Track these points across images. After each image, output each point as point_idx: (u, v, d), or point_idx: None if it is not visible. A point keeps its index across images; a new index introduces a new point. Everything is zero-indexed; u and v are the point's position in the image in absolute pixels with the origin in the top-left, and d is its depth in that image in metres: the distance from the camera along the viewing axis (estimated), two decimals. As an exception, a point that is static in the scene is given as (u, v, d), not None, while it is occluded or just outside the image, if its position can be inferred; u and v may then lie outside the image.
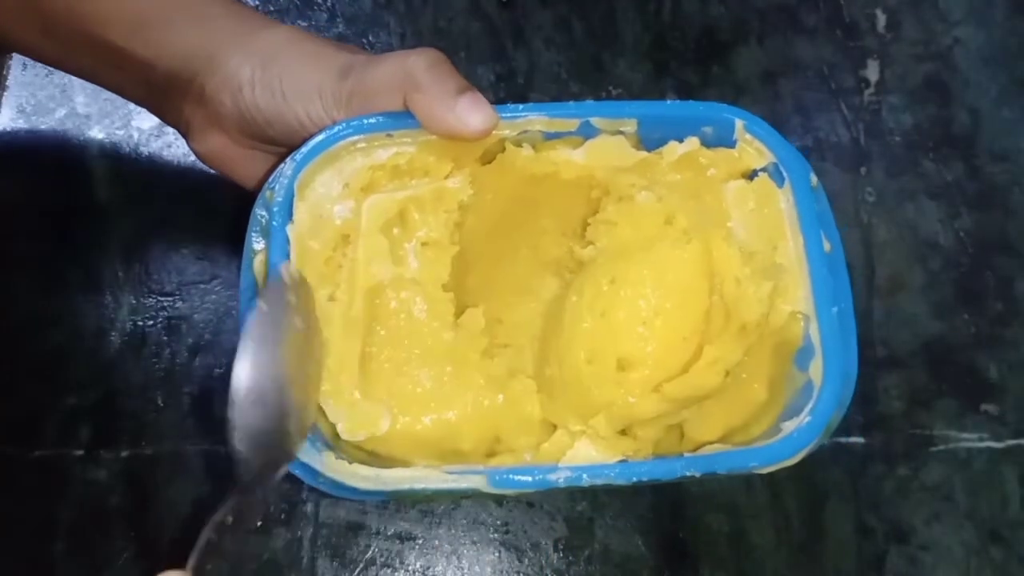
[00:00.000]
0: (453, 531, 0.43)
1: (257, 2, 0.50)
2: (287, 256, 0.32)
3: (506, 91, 0.49)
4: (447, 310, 0.33)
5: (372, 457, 0.32)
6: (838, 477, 0.44)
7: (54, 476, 0.42)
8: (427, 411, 0.32)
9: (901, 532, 0.44)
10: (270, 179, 0.33)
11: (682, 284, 0.32)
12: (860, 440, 0.45)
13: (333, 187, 0.33)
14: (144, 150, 0.47)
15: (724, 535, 0.43)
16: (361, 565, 0.42)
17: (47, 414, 0.43)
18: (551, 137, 0.34)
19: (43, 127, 0.47)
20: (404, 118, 0.33)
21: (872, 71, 0.50)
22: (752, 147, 0.34)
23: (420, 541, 0.42)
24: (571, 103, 0.34)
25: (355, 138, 0.33)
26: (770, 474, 0.38)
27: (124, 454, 0.43)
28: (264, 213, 0.33)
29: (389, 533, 0.42)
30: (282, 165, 0.33)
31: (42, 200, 0.46)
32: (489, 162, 0.35)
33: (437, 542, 0.42)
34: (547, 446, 0.32)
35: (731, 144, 0.34)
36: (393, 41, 0.50)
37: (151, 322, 0.44)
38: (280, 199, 0.32)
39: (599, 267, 0.33)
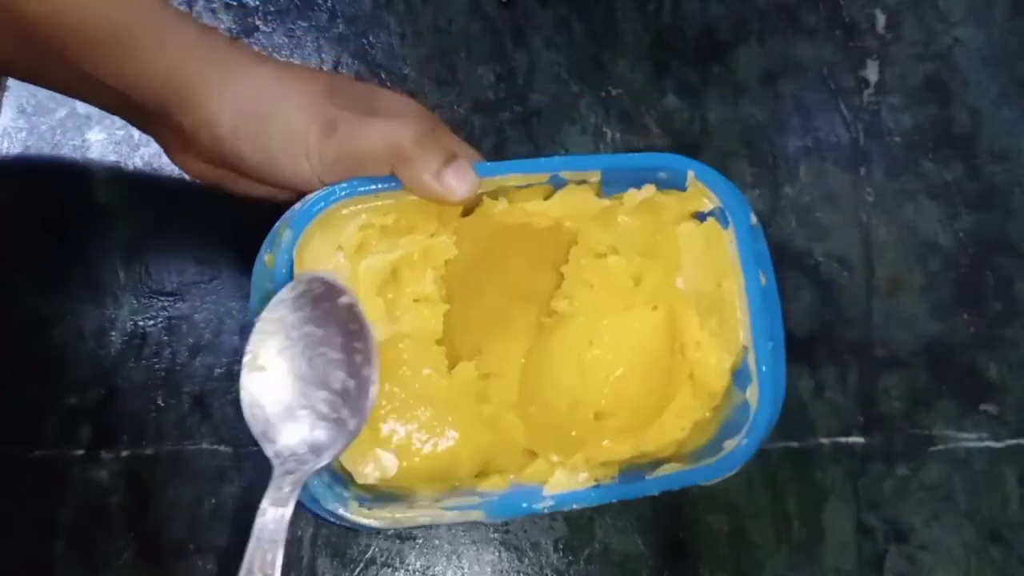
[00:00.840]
0: (453, 531, 0.43)
1: (257, 2, 0.50)
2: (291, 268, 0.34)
3: (506, 91, 0.49)
4: (441, 363, 0.37)
5: (381, 491, 0.35)
6: (838, 477, 0.44)
7: (54, 476, 0.42)
8: (428, 450, 0.36)
9: (901, 532, 0.44)
10: (267, 242, 0.35)
11: (649, 346, 0.37)
12: (860, 440, 0.45)
13: (328, 250, 0.35)
14: (144, 151, 0.47)
15: (724, 535, 0.43)
16: (361, 565, 0.42)
17: (47, 414, 0.43)
18: (524, 187, 0.37)
19: (43, 127, 0.47)
20: (391, 180, 0.35)
21: (872, 71, 0.50)
22: (702, 193, 0.38)
23: (420, 541, 0.42)
24: (541, 159, 0.37)
25: (345, 200, 0.35)
26: (770, 474, 0.44)
27: (124, 454, 0.43)
28: (268, 286, 0.34)
29: (389, 533, 0.42)
30: (278, 231, 0.35)
31: (42, 200, 0.46)
32: (468, 213, 0.37)
33: (437, 542, 0.42)
34: (530, 471, 0.37)
35: (683, 188, 0.38)
36: (393, 41, 0.50)
37: (151, 322, 0.44)
38: (282, 268, 0.34)
39: (578, 326, 0.38)
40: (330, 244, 0.35)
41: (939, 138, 0.49)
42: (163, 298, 0.45)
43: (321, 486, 0.34)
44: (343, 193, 0.35)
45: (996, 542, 0.44)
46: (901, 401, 0.45)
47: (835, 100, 0.50)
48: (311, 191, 0.35)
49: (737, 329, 0.37)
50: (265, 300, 0.33)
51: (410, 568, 0.42)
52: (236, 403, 0.43)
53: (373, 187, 0.35)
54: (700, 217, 0.39)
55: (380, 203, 0.35)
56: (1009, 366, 0.46)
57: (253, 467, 0.43)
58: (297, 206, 0.35)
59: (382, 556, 0.42)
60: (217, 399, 0.43)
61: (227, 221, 0.46)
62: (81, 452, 0.42)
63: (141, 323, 0.44)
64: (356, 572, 0.42)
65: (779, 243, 0.45)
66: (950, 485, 0.44)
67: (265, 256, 0.35)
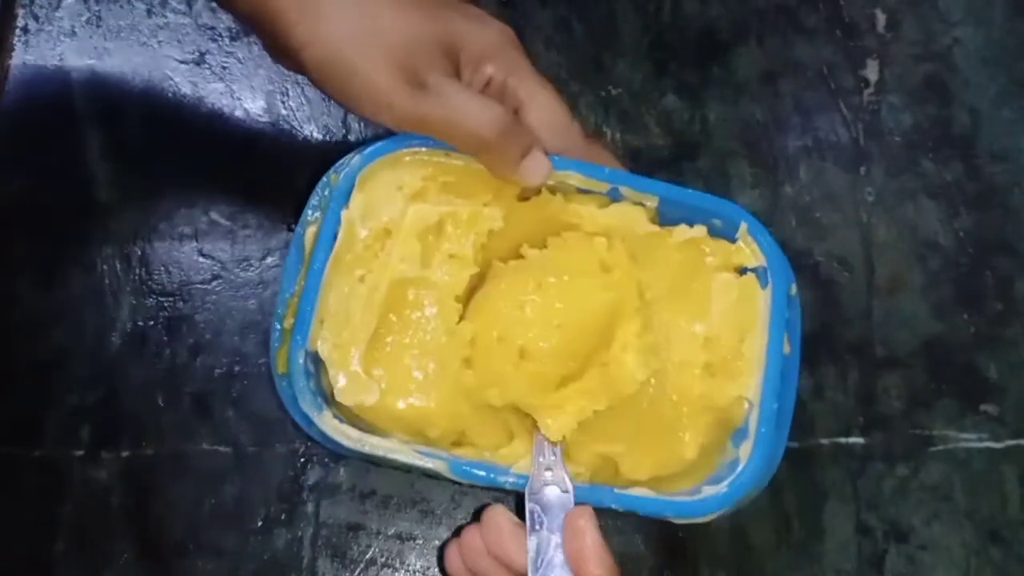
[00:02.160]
0: (453, 531, 0.43)
1: (257, 2, 0.50)
2: (335, 234, 0.37)
3: (506, 91, 0.49)
4: (452, 317, 0.38)
5: (357, 420, 0.37)
6: (838, 477, 0.44)
7: (54, 476, 0.42)
8: (408, 395, 0.38)
9: (901, 532, 0.44)
10: (336, 164, 0.38)
11: (584, 318, 0.37)
12: (860, 440, 0.45)
13: (389, 187, 0.38)
14: (144, 150, 0.47)
15: (724, 535, 0.43)
16: (361, 565, 0.42)
17: (47, 414, 0.43)
18: (583, 191, 0.39)
19: (44, 127, 0.47)
20: None
21: (872, 71, 0.50)
22: (750, 248, 0.39)
23: (420, 541, 0.42)
24: (607, 169, 0.38)
25: (418, 148, 0.38)
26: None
27: (124, 454, 0.43)
28: (326, 193, 0.38)
29: (389, 533, 0.42)
30: (349, 157, 0.38)
31: (42, 200, 0.46)
32: (525, 199, 0.39)
33: (437, 542, 0.43)
34: (504, 451, 0.38)
35: (733, 240, 0.39)
36: (393, 41, 0.50)
37: (151, 322, 0.44)
38: (342, 185, 0.37)
39: (534, 269, 0.38)
40: (392, 183, 0.38)
41: (939, 138, 0.49)
42: (163, 298, 0.45)
43: (303, 390, 0.36)
44: (417, 140, 0.38)
45: (996, 542, 0.44)
46: (901, 401, 0.45)
47: (835, 100, 0.50)
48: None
49: (746, 383, 0.38)
50: (322, 209, 0.38)
51: (410, 568, 0.42)
52: (236, 403, 0.43)
53: (446, 146, 0.38)
54: (741, 271, 0.39)
55: (448, 162, 0.38)
56: (1009, 366, 0.46)
57: (253, 467, 0.43)
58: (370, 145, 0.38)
59: (382, 556, 0.42)
60: (217, 399, 0.43)
61: (228, 221, 0.46)
62: (81, 452, 0.42)
63: (141, 323, 0.44)
64: (356, 572, 0.42)
65: (779, 243, 0.45)
66: (950, 485, 0.44)
67: (331, 176, 0.38)
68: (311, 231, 0.38)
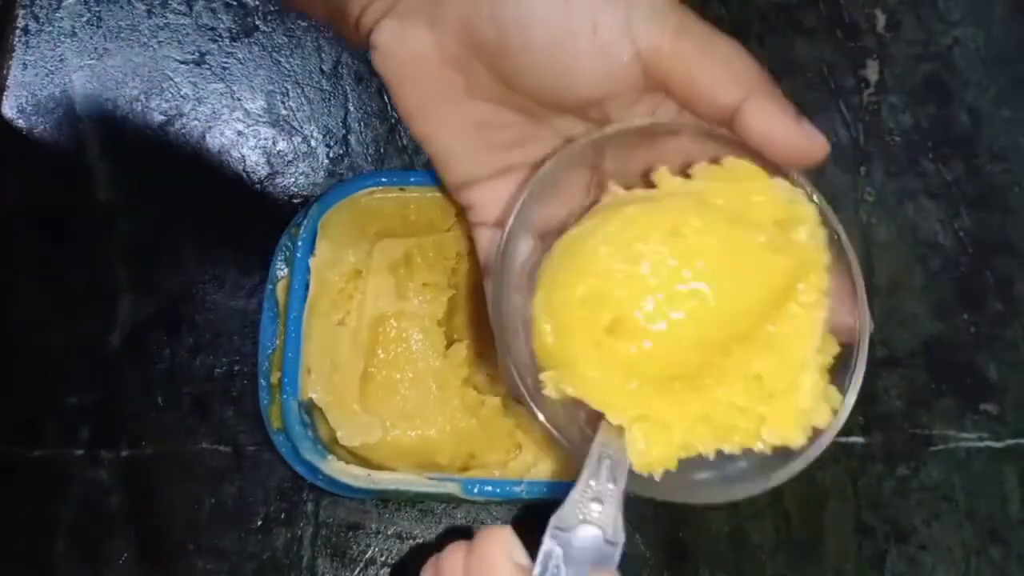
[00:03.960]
0: (454, 533, 0.43)
1: (257, 2, 0.50)
2: (307, 283, 0.38)
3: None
4: (439, 342, 0.39)
5: (363, 461, 0.38)
6: (838, 477, 0.44)
7: (54, 476, 0.42)
8: (413, 426, 0.38)
9: (901, 532, 0.44)
10: (295, 217, 0.38)
11: (741, 291, 0.25)
12: (860, 440, 0.45)
13: (352, 228, 0.39)
14: (144, 150, 0.47)
15: (724, 535, 0.43)
16: (361, 565, 0.42)
17: (47, 414, 0.43)
18: None
19: (43, 127, 0.47)
20: (417, 175, 0.39)
21: (872, 71, 0.50)
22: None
23: (420, 541, 0.42)
24: None
25: (372, 188, 0.39)
26: None
27: (124, 454, 0.43)
28: (290, 245, 0.39)
29: (389, 533, 0.42)
30: (306, 208, 0.38)
31: (42, 200, 0.46)
32: None
33: (437, 542, 0.42)
34: (514, 464, 0.37)
35: None
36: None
37: (151, 322, 0.44)
38: (305, 235, 0.38)
39: (664, 207, 0.26)
40: (354, 224, 0.39)
41: (939, 138, 0.49)
42: (163, 298, 0.45)
43: (303, 439, 0.37)
44: (370, 181, 0.39)
45: (996, 542, 0.44)
46: (901, 401, 0.45)
47: (835, 100, 0.50)
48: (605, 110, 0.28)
49: None
50: (288, 263, 0.39)
51: (410, 568, 0.42)
52: (235, 403, 0.43)
53: (396, 177, 0.38)
54: None
55: (405, 195, 0.39)
56: (1009, 366, 0.46)
57: (253, 467, 0.43)
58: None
59: (382, 556, 0.42)
60: (217, 399, 0.43)
61: (228, 221, 0.46)
62: (81, 452, 0.42)
63: (141, 323, 0.44)
64: (356, 572, 0.42)
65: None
66: (950, 485, 0.44)
67: (291, 229, 0.39)
68: (281, 285, 0.39)
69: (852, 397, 0.27)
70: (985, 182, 0.49)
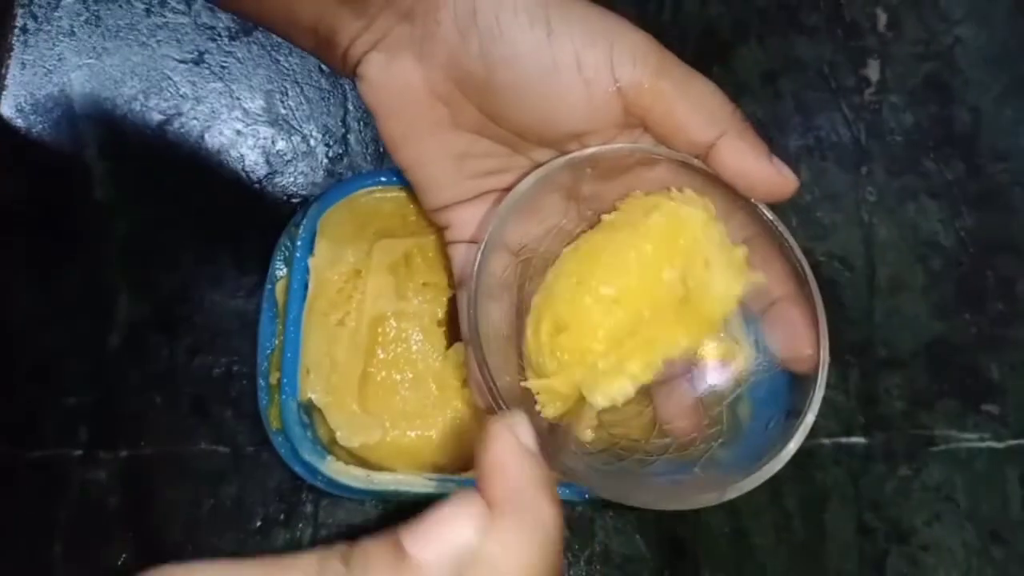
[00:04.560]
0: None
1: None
2: (306, 284, 0.37)
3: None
4: (439, 342, 0.38)
5: (362, 461, 0.37)
6: (839, 477, 0.44)
7: (53, 476, 0.42)
8: (413, 427, 0.38)
9: (902, 532, 0.43)
10: (295, 217, 0.38)
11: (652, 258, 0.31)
12: (861, 440, 0.44)
13: (351, 228, 0.39)
14: (143, 149, 0.47)
15: (724, 535, 0.43)
16: (361, 566, 0.42)
17: (46, 414, 0.43)
18: None
19: (41, 126, 0.47)
20: None
21: (873, 70, 0.50)
22: None
23: (420, 542, 0.42)
24: None
25: (372, 188, 0.39)
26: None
27: (123, 454, 0.42)
28: (289, 244, 0.38)
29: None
30: (306, 207, 0.38)
31: (42, 200, 0.46)
32: None
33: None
34: None
35: None
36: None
37: (151, 322, 0.44)
38: (304, 235, 0.38)
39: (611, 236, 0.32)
40: (353, 224, 0.39)
41: (940, 137, 0.49)
42: (162, 298, 0.45)
43: (302, 440, 0.36)
44: (369, 180, 0.38)
45: (997, 542, 0.43)
46: (902, 401, 0.45)
47: (836, 99, 0.50)
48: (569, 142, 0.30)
49: None
50: (287, 262, 0.38)
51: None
52: (234, 403, 0.43)
53: (396, 177, 0.38)
54: None
55: (403, 195, 0.39)
56: (1011, 366, 0.46)
57: (251, 467, 0.42)
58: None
59: (382, 557, 0.42)
60: (216, 400, 0.43)
61: (228, 221, 0.46)
62: (80, 452, 0.42)
63: (140, 323, 0.44)
64: (355, 573, 0.42)
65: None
66: (951, 485, 0.44)
67: (290, 228, 0.38)
68: (280, 285, 0.39)
69: (811, 418, 0.30)
70: (987, 182, 0.48)
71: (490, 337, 0.30)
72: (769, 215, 0.31)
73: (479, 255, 0.30)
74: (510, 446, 0.21)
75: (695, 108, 0.29)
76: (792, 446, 0.30)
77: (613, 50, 0.28)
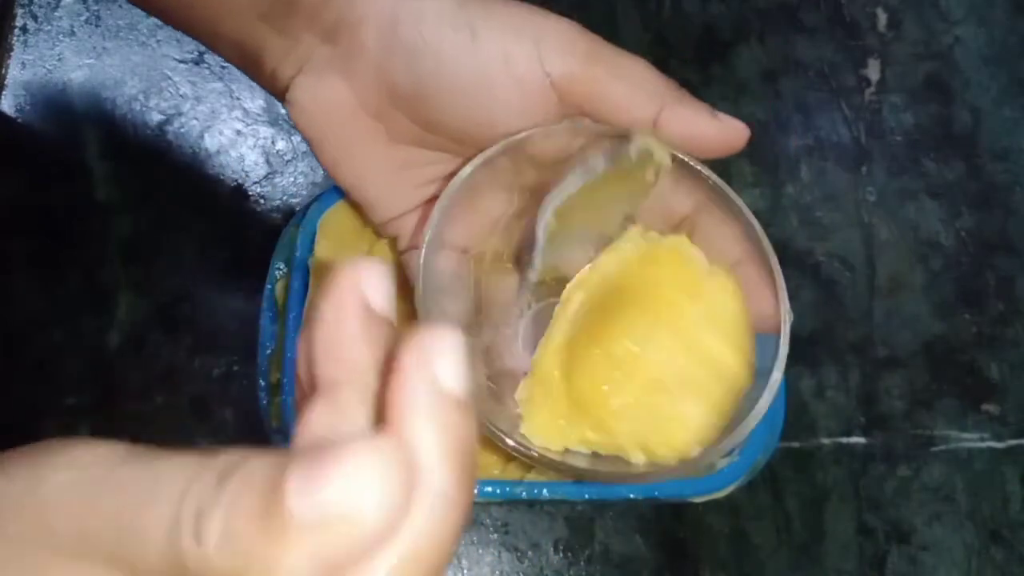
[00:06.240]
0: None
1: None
2: (306, 283, 0.36)
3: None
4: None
5: None
6: (839, 477, 0.44)
7: (53, 476, 0.42)
8: None
9: (902, 532, 0.43)
10: (295, 216, 0.37)
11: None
12: (861, 440, 0.44)
13: (352, 226, 0.38)
14: (144, 150, 0.47)
15: (724, 535, 0.43)
16: (361, 565, 0.42)
17: (46, 414, 0.43)
18: None
19: (41, 126, 0.47)
20: None
21: (873, 70, 0.50)
22: None
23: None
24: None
25: None
26: (771, 474, 0.42)
27: (123, 454, 0.42)
28: (289, 244, 0.37)
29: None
30: (306, 206, 0.37)
31: (42, 199, 0.46)
32: None
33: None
34: (514, 464, 0.36)
35: None
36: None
37: (151, 322, 0.44)
38: (304, 235, 0.37)
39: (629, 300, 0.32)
40: (354, 222, 0.38)
41: (940, 137, 0.49)
42: (162, 298, 0.45)
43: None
44: None
45: (997, 542, 0.43)
46: (902, 401, 0.45)
47: (836, 99, 0.50)
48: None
49: None
50: (287, 262, 0.37)
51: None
52: (235, 403, 0.43)
53: None
54: None
55: None
56: (1010, 366, 0.46)
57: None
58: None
59: (382, 556, 0.42)
60: (216, 399, 0.43)
61: (228, 221, 0.46)
62: (80, 452, 0.42)
63: (140, 323, 0.44)
64: (356, 573, 0.42)
65: (780, 242, 0.45)
66: (951, 485, 0.44)
67: (290, 228, 0.38)
68: (280, 285, 0.38)
69: (777, 375, 0.30)
70: (986, 182, 0.48)
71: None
72: (715, 178, 0.31)
73: (424, 249, 0.29)
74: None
75: (631, 87, 0.29)
76: (763, 404, 0.30)
77: (540, 44, 0.28)
